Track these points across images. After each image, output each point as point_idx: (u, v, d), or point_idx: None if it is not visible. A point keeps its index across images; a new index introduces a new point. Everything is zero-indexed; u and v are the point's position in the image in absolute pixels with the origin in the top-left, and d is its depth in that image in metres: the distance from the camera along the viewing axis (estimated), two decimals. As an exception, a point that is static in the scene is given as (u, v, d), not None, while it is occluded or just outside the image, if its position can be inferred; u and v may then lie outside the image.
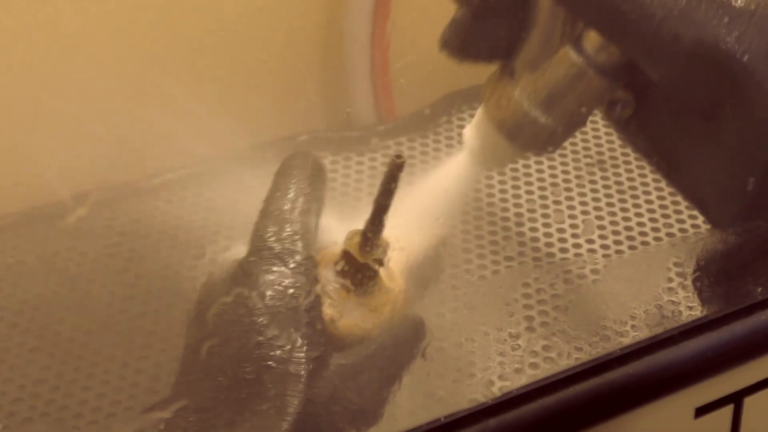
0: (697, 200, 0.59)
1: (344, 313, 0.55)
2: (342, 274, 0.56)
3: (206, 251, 0.83)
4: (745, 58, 0.50)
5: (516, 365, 0.73)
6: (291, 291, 0.51)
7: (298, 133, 0.93)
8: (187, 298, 0.78)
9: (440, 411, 0.70)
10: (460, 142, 0.92)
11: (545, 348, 0.74)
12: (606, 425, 0.50)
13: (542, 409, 0.48)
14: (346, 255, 0.56)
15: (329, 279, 0.56)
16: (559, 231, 0.84)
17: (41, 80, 0.88)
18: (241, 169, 0.90)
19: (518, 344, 0.75)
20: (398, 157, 0.54)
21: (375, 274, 0.56)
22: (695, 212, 0.86)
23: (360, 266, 0.56)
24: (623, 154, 0.91)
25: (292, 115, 0.98)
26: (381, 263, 0.56)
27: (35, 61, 0.88)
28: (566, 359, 0.74)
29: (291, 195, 0.56)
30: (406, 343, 0.56)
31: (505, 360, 0.74)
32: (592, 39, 0.54)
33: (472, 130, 0.60)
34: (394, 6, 0.96)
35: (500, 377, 0.72)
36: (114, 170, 0.90)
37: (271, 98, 0.97)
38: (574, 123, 0.57)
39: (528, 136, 0.57)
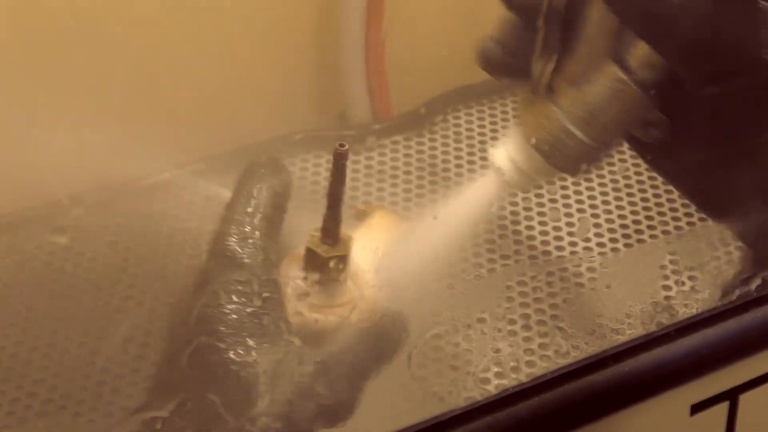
0: (727, 224, 0.59)
1: (311, 310, 0.55)
2: (306, 270, 0.56)
3: (203, 251, 0.83)
4: None
5: (512, 363, 0.73)
6: (249, 295, 0.52)
7: (294, 132, 0.93)
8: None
9: (437, 409, 0.70)
10: (474, 153, 0.92)
11: (541, 346, 0.75)
12: (602, 422, 0.50)
13: (538, 407, 0.48)
14: (308, 252, 0.56)
15: (295, 276, 0.56)
16: (555, 229, 0.84)
17: (38, 80, 0.88)
18: (238, 169, 0.90)
19: (515, 342, 0.75)
20: (341, 145, 0.54)
21: (339, 269, 0.56)
22: (690, 209, 0.86)
23: (322, 261, 0.56)
24: (619, 152, 0.91)
25: (288, 114, 0.98)
26: (344, 259, 0.56)
27: (31, 61, 0.87)
28: (562, 357, 0.74)
29: (252, 200, 0.56)
30: (388, 341, 0.56)
31: (501, 358, 0.74)
32: (636, 55, 0.55)
33: (505, 151, 0.59)
34: (389, 5, 0.96)
35: (497, 375, 0.73)
36: (110, 170, 0.90)
37: (267, 97, 0.97)
38: (610, 141, 0.57)
39: (565, 155, 0.57)
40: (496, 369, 0.73)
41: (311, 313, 0.55)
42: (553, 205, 0.87)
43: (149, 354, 0.74)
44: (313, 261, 0.56)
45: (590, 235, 0.83)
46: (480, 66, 0.58)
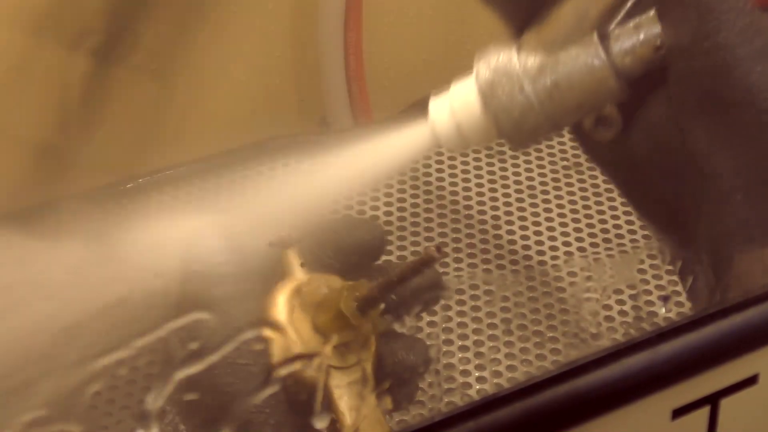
0: (661, 227, 0.57)
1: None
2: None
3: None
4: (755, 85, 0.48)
5: (494, 368, 0.73)
6: None
7: (275, 137, 0.93)
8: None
9: (418, 415, 0.70)
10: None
11: (523, 350, 0.75)
12: (583, 428, 0.49)
13: (520, 413, 0.48)
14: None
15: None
16: (536, 234, 0.84)
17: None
18: (218, 173, 0.90)
19: (496, 347, 0.75)
20: (438, 249, 0.48)
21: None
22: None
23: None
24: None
25: (268, 119, 0.97)
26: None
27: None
28: (543, 361, 0.74)
29: None
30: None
31: (483, 363, 0.74)
32: (624, 39, 0.51)
33: (448, 100, 0.54)
34: (369, 11, 0.97)
35: (478, 380, 0.72)
36: (85, 174, 0.90)
37: (247, 102, 0.96)
38: (560, 122, 0.52)
39: (514, 122, 0.51)
40: (477, 374, 0.73)
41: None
42: (534, 209, 0.87)
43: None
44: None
45: (571, 239, 0.83)
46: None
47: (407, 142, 0.54)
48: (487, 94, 0.52)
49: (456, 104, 0.53)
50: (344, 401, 0.51)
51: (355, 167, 0.55)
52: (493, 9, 0.53)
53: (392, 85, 1.02)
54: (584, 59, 0.51)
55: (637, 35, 0.51)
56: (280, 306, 0.51)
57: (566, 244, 0.83)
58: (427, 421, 0.46)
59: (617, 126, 0.53)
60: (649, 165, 0.53)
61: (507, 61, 0.52)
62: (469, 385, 0.72)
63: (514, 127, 0.52)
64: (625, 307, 0.76)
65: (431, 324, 0.76)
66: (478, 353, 0.74)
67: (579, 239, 0.83)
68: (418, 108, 0.96)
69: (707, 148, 0.50)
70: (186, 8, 0.92)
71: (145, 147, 0.92)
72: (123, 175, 0.88)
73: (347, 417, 0.51)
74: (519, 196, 0.87)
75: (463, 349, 0.75)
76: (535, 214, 0.86)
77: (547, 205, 0.87)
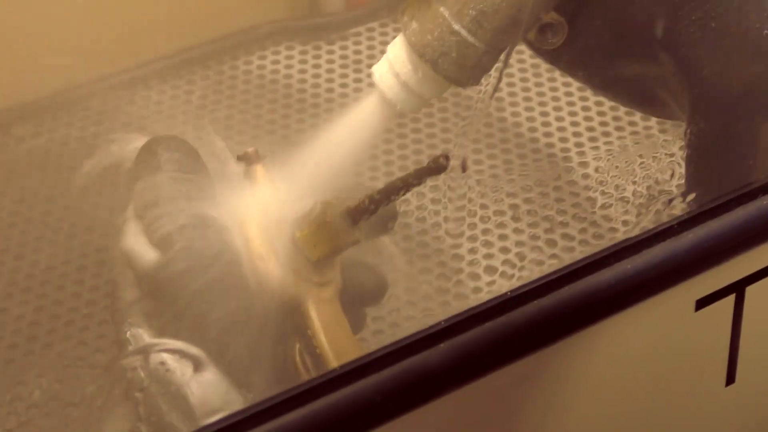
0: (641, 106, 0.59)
1: None
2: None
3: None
4: None
5: (504, 257, 0.72)
6: None
7: (263, 23, 0.90)
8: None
9: (426, 307, 0.69)
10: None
11: (532, 237, 0.73)
12: (605, 323, 0.48)
13: (540, 309, 0.47)
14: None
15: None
16: (543, 114, 0.83)
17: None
18: (207, 63, 0.88)
19: (505, 234, 0.74)
20: (446, 158, 0.49)
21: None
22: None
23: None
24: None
25: (256, 4, 0.95)
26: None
27: None
28: (554, 248, 0.73)
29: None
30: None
31: (492, 252, 0.72)
32: None
33: (387, 63, 0.54)
34: None
35: (486, 270, 0.71)
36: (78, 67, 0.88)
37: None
38: (500, 45, 0.52)
39: (455, 61, 0.52)
40: (485, 263, 0.72)
41: None
42: (555, 93, 0.84)
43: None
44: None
45: (581, 130, 0.81)
46: None
47: (367, 118, 0.55)
48: (420, 46, 0.52)
49: (396, 66, 0.53)
50: (319, 324, 0.51)
51: (322, 155, 0.55)
52: None
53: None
54: None
55: None
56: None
57: (574, 123, 0.82)
58: (451, 320, 0.45)
59: (564, 29, 0.53)
60: (610, 50, 0.55)
61: (427, 7, 0.52)
62: (477, 276, 0.71)
63: (456, 67, 0.53)
64: (639, 188, 0.75)
65: (435, 213, 0.75)
66: (486, 242, 0.73)
67: (590, 129, 0.81)
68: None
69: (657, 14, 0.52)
70: None
71: (126, 40, 0.89)
72: (106, 69, 0.86)
73: (324, 342, 0.51)
74: (524, 84, 0.85)
75: (472, 239, 0.74)
76: (541, 93, 0.84)
77: (552, 83, 0.85)
